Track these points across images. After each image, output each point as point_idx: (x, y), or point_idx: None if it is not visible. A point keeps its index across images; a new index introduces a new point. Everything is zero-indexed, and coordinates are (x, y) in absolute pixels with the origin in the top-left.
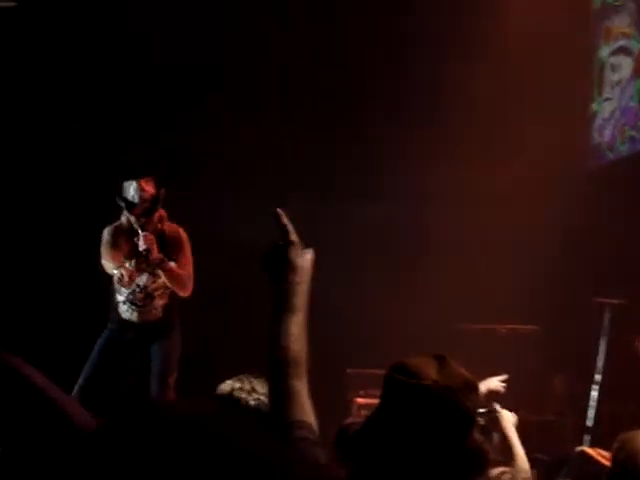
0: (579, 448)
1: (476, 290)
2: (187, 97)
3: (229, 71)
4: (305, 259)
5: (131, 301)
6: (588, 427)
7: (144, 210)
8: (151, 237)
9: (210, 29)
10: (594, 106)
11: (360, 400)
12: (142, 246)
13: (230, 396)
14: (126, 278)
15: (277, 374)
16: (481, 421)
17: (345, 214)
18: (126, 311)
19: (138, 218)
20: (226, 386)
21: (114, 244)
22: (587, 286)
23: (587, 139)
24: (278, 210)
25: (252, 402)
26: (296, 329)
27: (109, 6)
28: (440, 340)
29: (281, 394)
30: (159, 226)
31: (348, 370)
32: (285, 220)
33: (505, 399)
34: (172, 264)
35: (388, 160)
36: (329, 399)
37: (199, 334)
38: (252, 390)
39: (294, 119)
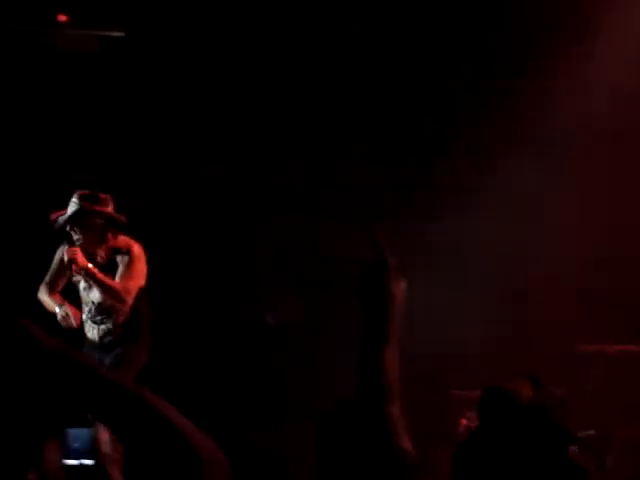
0: None
1: (586, 310)
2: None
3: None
4: (400, 287)
5: (91, 319)
6: None
7: (74, 223)
8: (74, 250)
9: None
10: None
11: (465, 421)
12: (65, 258)
13: None
14: (71, 320)
15: (374, 403)
16: (590, 443)
17: (448, 234)
18: (88, 330)
19: (70, 230)
20: None
21: (53, 281)
22: None
23: None
24: (375, 230)
25: None
26: (391, 358)
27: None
28: (550, 362)
29: (381, 422)
30: (108, 244)
31: (453, 391)
32: (383, 242)
33: (617, 419)
34: (102, 275)
35: (496, 176)
36: (435, 421)
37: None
38: None
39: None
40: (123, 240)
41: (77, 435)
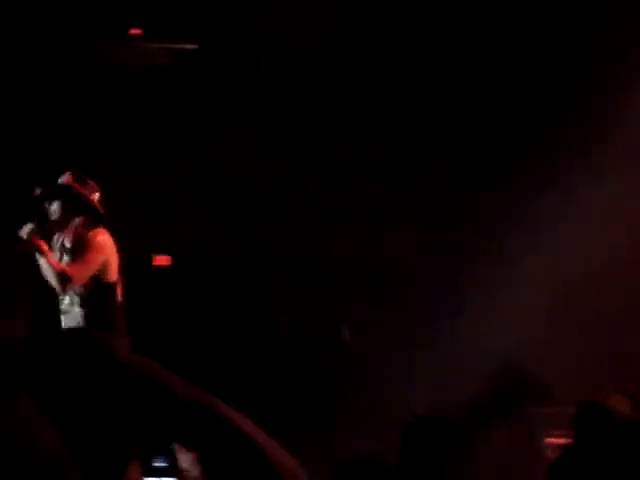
0: None
1: None
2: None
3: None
4: None
5: (61, 309)
6: None
7: (55, 197)
8: (29, 227)
9: None
10: None
11: (551, 440)
12: (24, 236)
13: None
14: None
15: None
16: None
17: (525, 247)
18: (60, 319)
19: (49, 204)
20: None
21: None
22: None
23: None
24: None
25: None
26: None
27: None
28: (633, 376)
29: None
30: (78, 230)
31: (530, 409)
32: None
33: None
34: (52, 256)
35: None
36: (513, 438)
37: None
38: None
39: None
40: (96, 231)
41: (158, 454)
